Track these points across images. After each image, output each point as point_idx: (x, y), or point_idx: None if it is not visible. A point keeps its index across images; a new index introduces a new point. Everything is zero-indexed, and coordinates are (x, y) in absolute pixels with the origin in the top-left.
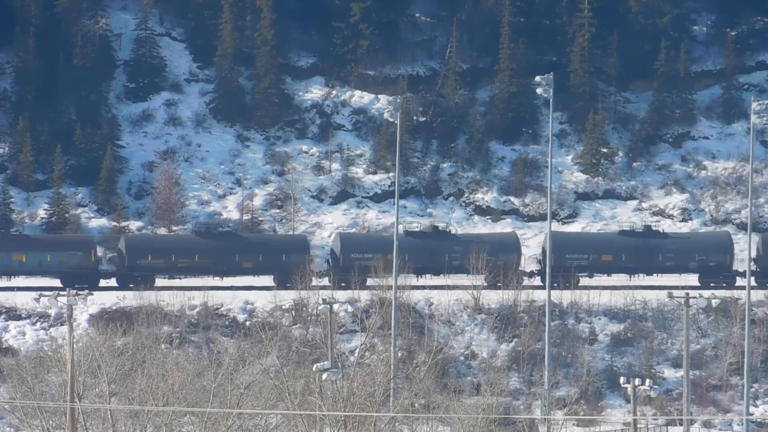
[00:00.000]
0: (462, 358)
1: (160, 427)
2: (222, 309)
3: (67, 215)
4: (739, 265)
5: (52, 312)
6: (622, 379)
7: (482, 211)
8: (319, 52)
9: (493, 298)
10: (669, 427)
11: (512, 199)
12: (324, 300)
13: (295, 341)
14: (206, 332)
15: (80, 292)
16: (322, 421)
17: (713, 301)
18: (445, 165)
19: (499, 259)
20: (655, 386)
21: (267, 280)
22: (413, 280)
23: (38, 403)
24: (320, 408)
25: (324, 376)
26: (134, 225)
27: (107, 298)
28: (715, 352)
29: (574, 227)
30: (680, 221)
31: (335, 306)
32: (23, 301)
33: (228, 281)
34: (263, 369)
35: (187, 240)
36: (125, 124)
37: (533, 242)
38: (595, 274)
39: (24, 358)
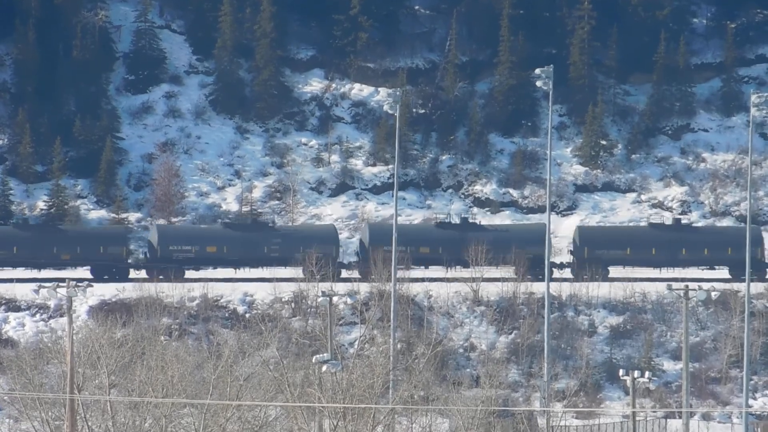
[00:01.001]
0: (461, 350)
1: (159, 419)
2: (222, 301)
3: (66, 207)
4: (556, 257)
5: (52, 303)
6: (621, 372)
7: (481, 203)
8: (318, 45)
9: (493, 290)
10: (668, 420)
11: (511, 191)
12: (323, 292)
13: (294, 333)
14: (206, 324)
15: (80, 284)
16: (321, 413)
17: (713, 293)
18: (444, 157)
19: (318, 251)
20: (654, 378)
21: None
22: (231, 272)
23: (38, 394)
24: (319, 400)
25: (323, 367)
26: (134, 216)
27: (107, 289)
28: (715, 345)
29: (573, 219)
30: (679, 213)
31: (335, 298)
32: (23, 292)
33: (46, 273)
34: (263, 361)
35: (5, 232)
36: (125, 116)
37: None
38: (411, 267)
39: (23, 349)
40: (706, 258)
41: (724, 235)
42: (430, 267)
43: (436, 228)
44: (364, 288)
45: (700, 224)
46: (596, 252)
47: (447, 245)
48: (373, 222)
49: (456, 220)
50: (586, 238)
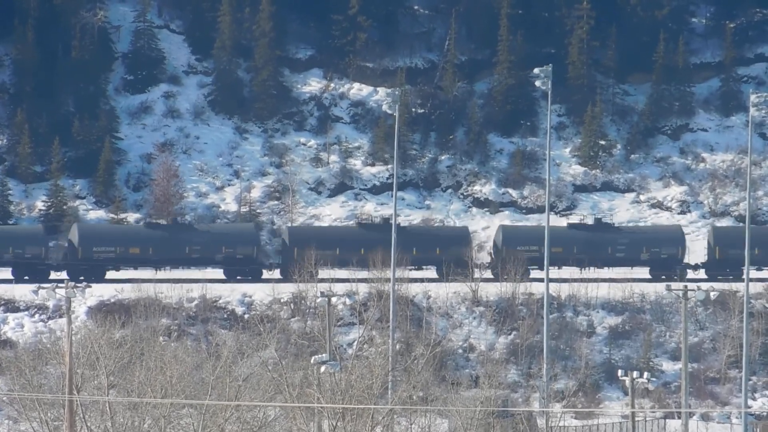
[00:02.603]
0: (460, 350)
1: (158, 420)
2: (220, 301)
3: (65, 207)
4: (264, 258)
5: (51, 304)
6: (620, 372)
7: (480, 203)
8: (317, 45)
9: (492, 290)
10: (667, 420)
11: (510, 191)
12: (322, 293)
13: (293, 334)
14: (205, 325)
15: (78, 284)
16: (320, 414)
17: (711, 293)
18: (443, 157)
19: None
20: (653, 379)
21: None
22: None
23: (37, 395)
24: (318, 400)
25: (322, 368)
26: (132, 217)
27: (106, 290)
28: (714, 345)
29: (572, 220)
30: (678, 213)
31: (333, 299)
32: (22, 293)
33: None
34: (262, 361)
35: None
36: (124, 116)
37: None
38: (121, 267)
39: (22, 350)
40: (415, 258)
41: (434, 236)
42: (138, 268)
43: (146, 228)
44: (363, 288)
45: (410, 225)
46: (306, 251)
47: (156, 245)
48: (84, 224)
49: (167, 221)
50: (295, 238)
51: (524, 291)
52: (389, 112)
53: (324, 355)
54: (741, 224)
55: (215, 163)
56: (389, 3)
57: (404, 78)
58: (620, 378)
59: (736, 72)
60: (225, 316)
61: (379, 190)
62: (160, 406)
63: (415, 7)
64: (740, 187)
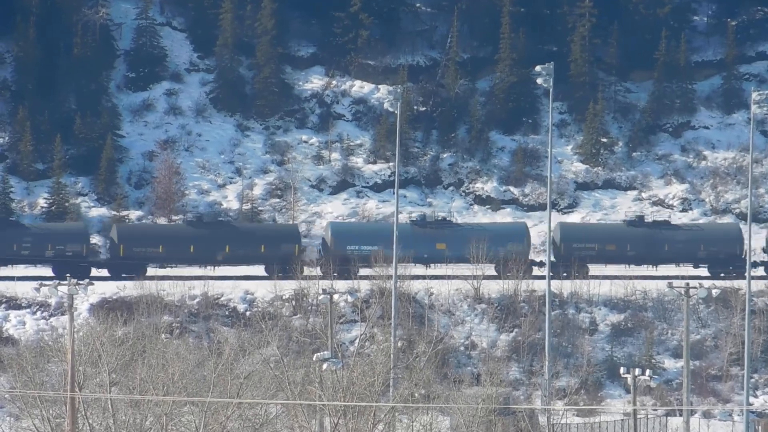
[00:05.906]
0: (462, 348)
1: (160, 417)
2: (222, 299)
3: (67, 204)
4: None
5: (53, 301)
6: (622, 370)
7: (482, 200)
8: (319, 42)
9: (494, 287)
10: (669, 418)
11: (512, 188)
12: (324, 290)
13: (295, 331)
14: (206, 322)
15: (81, 282)
16: (322, 411)
17: (713, 291)
18: (445, 155)
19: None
20: (655, 376)
21: None
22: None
23: (38, 392)
24: (320, 398)
25: (324, 366)
26: (134, 214)
27: (108, 287)
28: (715, 343)
29: (574, 217)
30: (680, 211)
31: (335, 296)
32: (24, 290)
33: None
34: (263, 359)
35: None
36: (125, 113)
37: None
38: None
39: (24, 347)
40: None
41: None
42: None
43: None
44: (364, 285)
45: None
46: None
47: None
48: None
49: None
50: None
51: (526, 288)
52: (391, 109)
53: (326, 352)
54: None
55: (217, 161)
56: (391, 0)
57: (406, 75)
58: (622, 375)
59: (737, 70)
60: (227, 313)
61: (380, 187)
62: (162, 404)
63: (417, 5)
64: (742, 184)
